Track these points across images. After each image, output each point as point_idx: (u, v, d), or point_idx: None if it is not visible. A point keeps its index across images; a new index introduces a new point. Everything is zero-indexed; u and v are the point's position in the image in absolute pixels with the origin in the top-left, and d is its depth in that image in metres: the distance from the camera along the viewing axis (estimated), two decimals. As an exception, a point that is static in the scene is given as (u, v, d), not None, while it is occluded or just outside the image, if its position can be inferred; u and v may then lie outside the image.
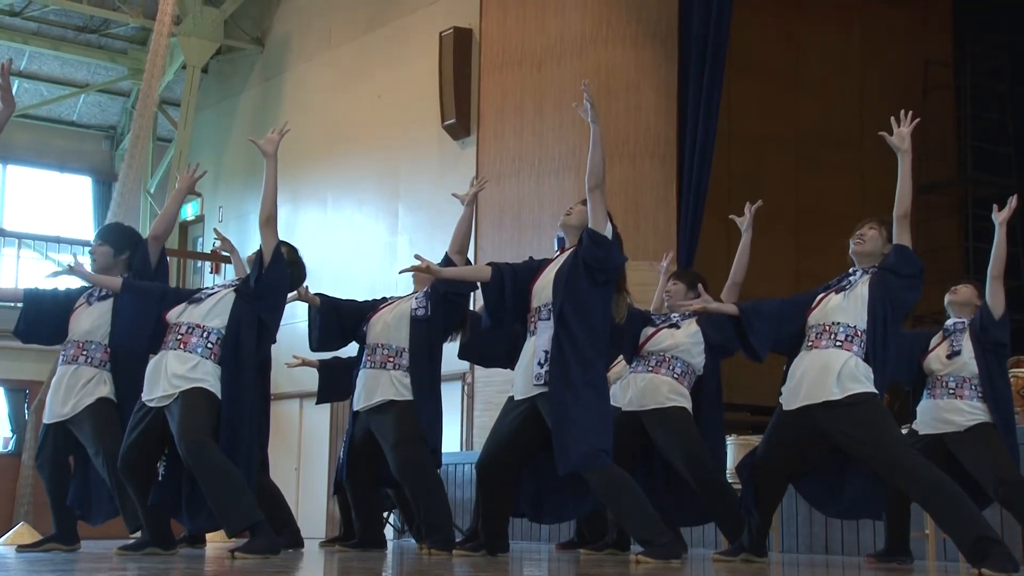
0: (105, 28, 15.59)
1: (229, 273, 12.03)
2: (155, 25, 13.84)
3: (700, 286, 5.88)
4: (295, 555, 6.10)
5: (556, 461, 5.11)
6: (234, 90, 15.45)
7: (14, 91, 17.62)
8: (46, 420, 5.87)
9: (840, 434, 4.95)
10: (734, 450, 7.57)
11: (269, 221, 5.36)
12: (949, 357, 5.71)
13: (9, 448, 13.39)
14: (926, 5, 13.70)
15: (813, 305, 5.18)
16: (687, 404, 5.98)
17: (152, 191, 15.51)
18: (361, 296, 6.64)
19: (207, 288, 5.57)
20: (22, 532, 9.21)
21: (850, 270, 5.27)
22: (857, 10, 13.39)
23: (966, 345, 5.72)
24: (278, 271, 5.41)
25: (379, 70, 12.91)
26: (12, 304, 6.29)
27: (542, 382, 5.17)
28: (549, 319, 5.21)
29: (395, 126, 12.54)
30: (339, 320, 6.28)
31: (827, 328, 5.06)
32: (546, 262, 5.46)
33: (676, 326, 6.09)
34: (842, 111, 13.00)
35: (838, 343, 5.01)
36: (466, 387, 10.74)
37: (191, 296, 5.47)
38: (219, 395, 5.24)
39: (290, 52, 14.57)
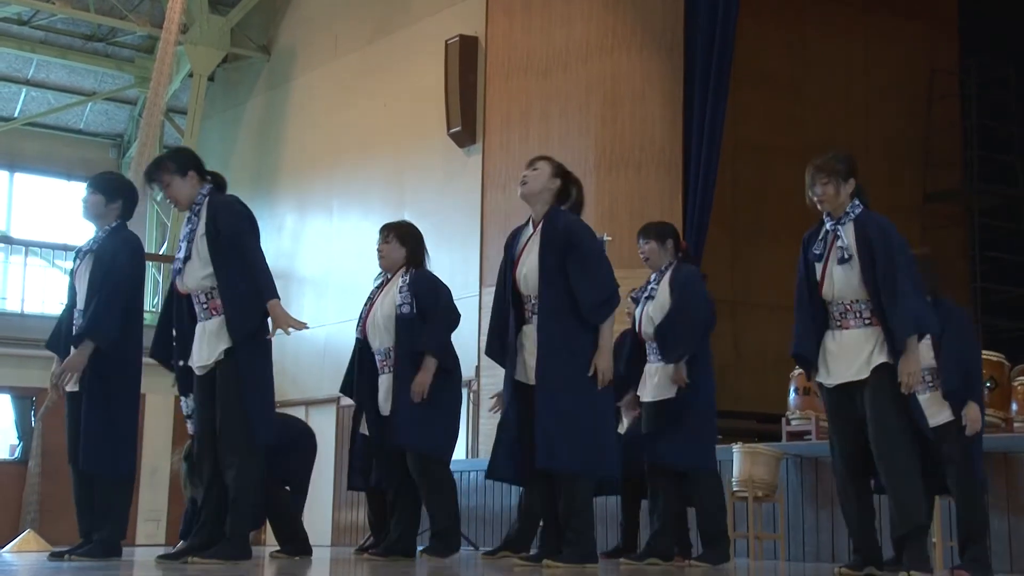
0: (112, 37, 15.65)
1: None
2: (162, 34, 13.89)
3: (670, 241, 6.10)
4: (303, 562, 6.10)
5: (536, 453, 5.00)
6: (240, 98, 15.49)
7: (20, 100, 17.45)
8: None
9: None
10: (739, 458, 7.55)
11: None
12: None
13: (16, 456, 13.39)
14: (932, 15, 13.70)
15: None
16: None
17: (159, 200, 15.53)
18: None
19: (177, 254, 5.40)
20: (28, 539, 9.22)
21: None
22: (863, 20, 13.39)
23: None
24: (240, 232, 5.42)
25: (385, 78, 12.94)
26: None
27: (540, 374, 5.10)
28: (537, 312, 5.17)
29: (401, 134, 12.56)
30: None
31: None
32: (519, 246, 5.30)
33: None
34: (848, 121, 12.99)
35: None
36: (472, 394, 10.73)
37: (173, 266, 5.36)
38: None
39: (296, 60, 14.60)
